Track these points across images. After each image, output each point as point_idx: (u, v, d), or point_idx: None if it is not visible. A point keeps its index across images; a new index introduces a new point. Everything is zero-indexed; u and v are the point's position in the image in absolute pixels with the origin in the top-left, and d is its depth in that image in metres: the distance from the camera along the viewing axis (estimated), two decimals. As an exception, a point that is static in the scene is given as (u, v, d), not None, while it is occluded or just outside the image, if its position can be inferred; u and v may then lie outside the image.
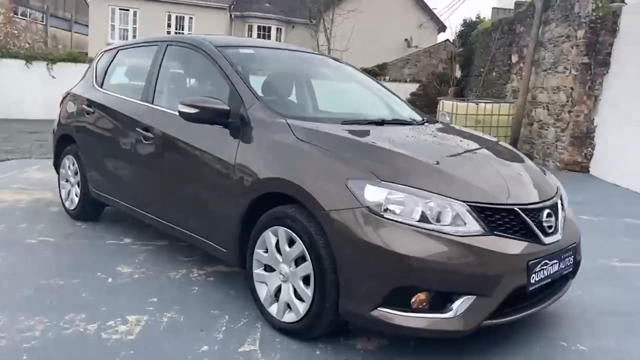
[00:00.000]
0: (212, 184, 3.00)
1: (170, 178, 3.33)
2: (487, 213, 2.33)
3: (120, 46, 4.42)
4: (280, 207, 2.63)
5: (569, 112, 8.93)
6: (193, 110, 2.92)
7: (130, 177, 3.71)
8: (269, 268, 2.71)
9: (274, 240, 2.64)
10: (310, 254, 2.44)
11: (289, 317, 2.59)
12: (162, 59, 3.68)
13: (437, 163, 2.53)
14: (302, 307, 2.51)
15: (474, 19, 15.92)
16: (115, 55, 4.34)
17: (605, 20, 8.38)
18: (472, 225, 2.28)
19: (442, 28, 23.39)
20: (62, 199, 4.68)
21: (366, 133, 2.84)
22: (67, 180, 4.60)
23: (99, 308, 2.86)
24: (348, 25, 18.53)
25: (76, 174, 4.41)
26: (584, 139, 8.71)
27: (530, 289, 2.39)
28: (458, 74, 16.25)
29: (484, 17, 15.75)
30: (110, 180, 3.97)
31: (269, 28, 24.01)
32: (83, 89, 4.46)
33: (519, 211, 2.41)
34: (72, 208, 4.49)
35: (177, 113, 3.29)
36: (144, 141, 3.49)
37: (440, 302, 2.27)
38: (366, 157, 2.53)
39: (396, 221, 2.24)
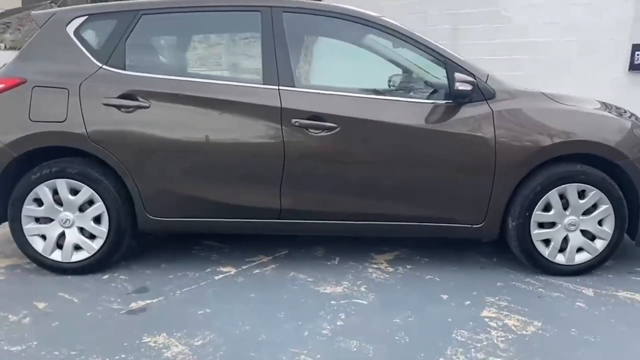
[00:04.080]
0: (462, 162, 2.92)
1: (389, 170, 2.91)
2: None
3: (145, 9, 2.98)
4: (559, 167, 2.94)
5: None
6: (469, 87, 2.78)
7: (275, 181, 2.91)
8: (548, 225, 3.01)
9: (558, 198, 2.96)
10: (610, 197, 2.95)
11: (581, 258, 3.03)
12: (284, 31, 2.95)
13: None
14: (599, 244, 3.01)
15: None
16: (135, 22, 2.95)
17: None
18: None
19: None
20: (37, 254, 2.96)
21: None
22: (43, 221, 2.95)
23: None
24: None
25: (85, 205, 2.92)
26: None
27: None
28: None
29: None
30: (214, 195, 2.93)
31: None
32: (76, 74, 2.88)
33: None
34: (81, 259, 2.97)
35: (380, 97, 3.02)
36: (314, 132, 2.86)
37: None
38: (617, 111, 3.17)
39: None
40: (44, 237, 2.96)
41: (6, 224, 3.05)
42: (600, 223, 2.99)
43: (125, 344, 2.27)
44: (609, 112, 3.16)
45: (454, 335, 2.38)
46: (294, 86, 2.91)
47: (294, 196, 2.93)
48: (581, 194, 2.96)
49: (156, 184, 2.91)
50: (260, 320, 2.51)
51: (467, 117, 2.91)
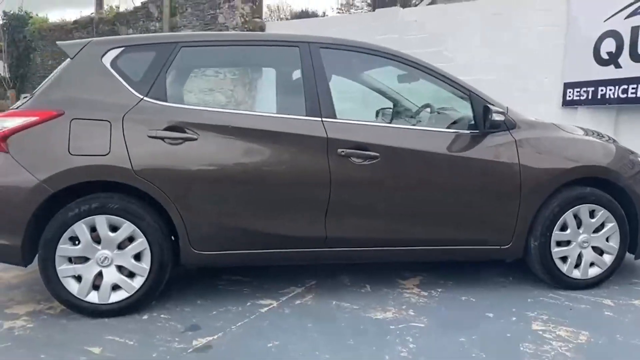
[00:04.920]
0: (492, 187, 3.13)
1: (426, 196, 3.06)
2: None
3: (184, 41, 2.95)
4: (573, 190, 3.25)
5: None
6: (503, 118, 3.03)
7: (321, 210, 2.95)
8: (564, 243, 3.29)
9: (573, 218, 3.27)
10: (615, 216, 3.30)
11: (593, 272, 3.34)
12: (323, 65, 3.06)
13: None
14: (607, 259, 3.34)
15: (17, 12, 14.02)
16: (175, 54, 2.91)
17: (254, 30, 10.00)
18: None
19: None
20: (72, 297, 2.77)
21: None
22: (77, 261, 2.78)
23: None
24: None
25: (125, 242, 2.80)
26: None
27: None
28: (6, 74, 14.23)
29: (33, 13, 14.11)
30: (261, 226, 2.92)
31: None
32: (117, 106, 2.79)
33: None
34: (120, 299, 2.81)
35: (415, 128, 3.21)
36: (358, 161, 2.96)
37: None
38: (600, 136, 3.56)
39: None
40: (78, 278, 2.78)
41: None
42: (607, 239, 3.32)
43: (215, 381, 2.19)
44: (604, 140, 3.55)
45: (522, 348, 2.53)
46: (335, 117, 3.01)
47: (338, 224, 2.99)
48: (591, 214, 3.28)
49: (203, 217, 2.85)
50: (335, 348, 2.52)
51: (494, 145, 3.15)
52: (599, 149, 3.41)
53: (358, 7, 28.23)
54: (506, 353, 2.49)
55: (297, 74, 3.07)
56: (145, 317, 2.86)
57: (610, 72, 6.69)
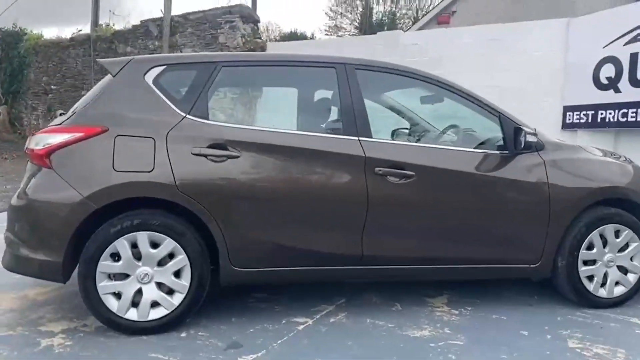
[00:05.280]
0: (523, 207, 3.20)
1: (460, 215, 3.10)
2: None
3: (224, 61, 2.99)
4: (598, 210, 3.33)
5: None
6: (536, 139, 3.10)
7: (358, 228, 2.99)
8: (591, 262, 3.36)
9: (599, 238, 3.34)
10: (639, 236, 3.39)
11: (619, 291, 3.40)
12: (359, 85, 3.12)
13: None
14: (632, 278, 3.41)
15: (12, 29, 13.95)
16: (216, 73, 2.95)
17: (255, 50, 10.10)
18: None
19: None
20: (111, 314, 2.75)
21: None
22: (117, 278, 2.77)
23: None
24: None
25: (165, 259, 2.79)
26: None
27: None
28: (-2, 90, 14.11)
29: (28, 29, 14.05)
30: (300, 243, 2.94)
31: None
32: (160, 123, 2.80)
33: None
34: (159, 316, 2.80)
35: (449, 148, 3.26)
36: (394, 180, 3.00)
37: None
38: (618, 157, 3.67)
39: None
40: (118, 295, 2.76)
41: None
42: (632, 259, 3.40)
43: (271, 399, 2.19)
44: (622, 160, 3.65)
45: (564, 365, 2.57)
46: (371, 137, 3.06)
47: (374, 242, 3.02)
48: (616, 234, 3.36)
49: (244, 235, 2.86)
50: (381, 366, 2.53)
51: (524, 166, 3.22)
52: (621, 170, 3.50)
53: (346, 29, 28.64)
54: (550, 370, 2.53)
55: (334, 95, 3.13)
56: (183, 334, 2.84)
57: (609, 97, 6.88)
